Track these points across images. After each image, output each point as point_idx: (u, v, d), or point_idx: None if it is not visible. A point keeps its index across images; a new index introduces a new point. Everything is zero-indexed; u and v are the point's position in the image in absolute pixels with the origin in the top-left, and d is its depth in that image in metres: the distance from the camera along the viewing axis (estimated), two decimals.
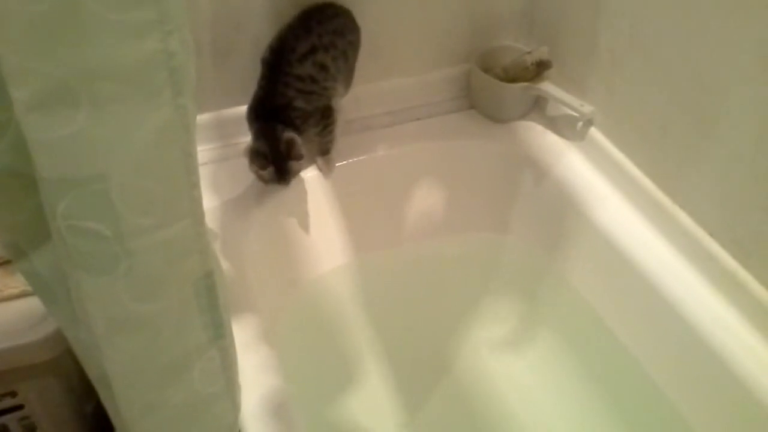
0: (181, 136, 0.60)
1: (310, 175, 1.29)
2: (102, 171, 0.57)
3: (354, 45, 1.22)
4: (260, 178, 1.17)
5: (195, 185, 0.64)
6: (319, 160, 1.28)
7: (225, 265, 1.06)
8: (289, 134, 1.14)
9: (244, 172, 1.18)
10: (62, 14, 0.50)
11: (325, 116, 1.21)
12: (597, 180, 1.25)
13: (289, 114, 1.16)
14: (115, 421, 0.89)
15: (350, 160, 1.32)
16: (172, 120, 0.58)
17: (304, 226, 1.30)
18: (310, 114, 1.18)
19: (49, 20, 0.50)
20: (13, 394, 1.11)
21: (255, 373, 0.94)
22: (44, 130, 0.54)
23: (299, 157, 1.15)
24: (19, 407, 1.13)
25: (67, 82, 0.52)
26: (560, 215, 1.29)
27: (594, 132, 1.26)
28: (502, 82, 1.35)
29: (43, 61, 0.51)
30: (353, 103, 1.32)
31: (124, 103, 0.55)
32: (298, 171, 1.20)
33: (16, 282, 1.07)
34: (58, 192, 0.57)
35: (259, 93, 1.16)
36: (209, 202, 1.17)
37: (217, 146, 1.27)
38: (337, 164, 1.30)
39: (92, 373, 0.82)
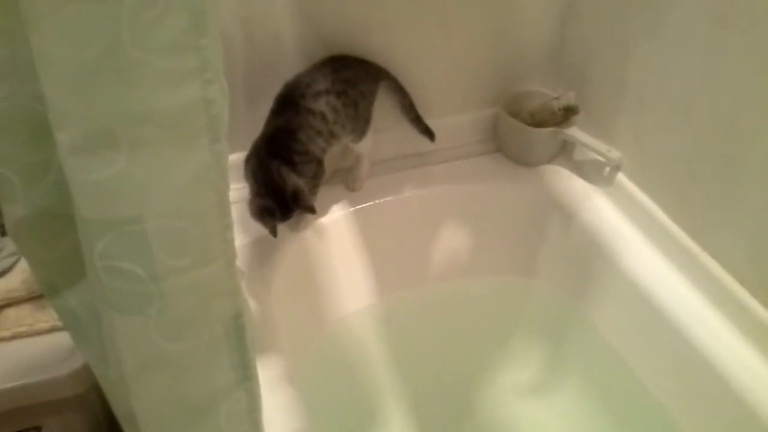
0: (216, 180, 0.61)
1: (336, 216, 1.30)
2: (139, 212, 0.58)
3: (365, 95, 1.23)
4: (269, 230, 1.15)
5: (228, 227, 0.65)
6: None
7: (251, 303, 1.06)
8: (294, 182, 1.11)
9: None
10: (107, 61, 0.52)
11: (317, 176, 1.21)
12: (624, 225, 1.24)
13: (291, 145, 1.14)
14: None
15: (377, 201, 1.33)
16: (209, 165, 0.59)
17: (330, 266, 1.31)
18: (310, 159, 1.17)
19: (94, 66, 0.52)
20: (38, 429, 1.12)
21: (279, 414, 0.94)
22: (86, 172, 0.56)
23: (310, 210, 1.14)
24: None
25: (109, 126, 0.54)
26: (587, 260, 1.28)
27: (621, 177, 1.26)
28: (529, 126, 1.36)
29: (87, 105, 0.53)
30: (381, 144, 1.34)
31: (163, 147, 0.56)
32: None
33: (46, 317, 1.09)
34: (96, 232, 0.59)
35: (265, 129, 1.16)
36: (237, 240, 1.15)
37: (246, 185, 1.28)
38: (363, 205, 1.31)
39: (119, 411, 0.83)
